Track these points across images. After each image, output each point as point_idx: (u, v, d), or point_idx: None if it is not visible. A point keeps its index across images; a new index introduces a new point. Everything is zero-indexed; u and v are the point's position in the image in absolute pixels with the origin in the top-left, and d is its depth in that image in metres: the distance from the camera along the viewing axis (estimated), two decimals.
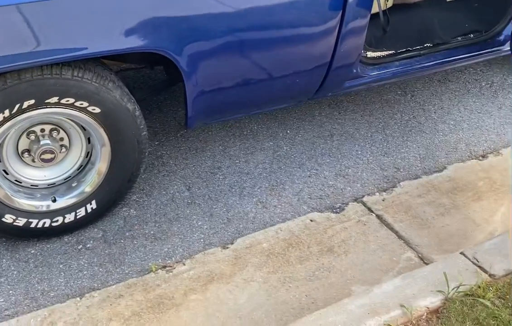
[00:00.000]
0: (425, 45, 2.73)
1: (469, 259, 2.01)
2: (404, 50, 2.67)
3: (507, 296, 1.89)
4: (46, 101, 1.86)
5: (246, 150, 2.73)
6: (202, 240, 2.23)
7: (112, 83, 1.97)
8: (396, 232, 2.29)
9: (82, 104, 1.91)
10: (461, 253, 2.04)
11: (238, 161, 2.66)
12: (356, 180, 2.58)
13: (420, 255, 2.19)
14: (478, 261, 2.00)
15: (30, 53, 1.73)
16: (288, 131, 2.86)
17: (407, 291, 1.88)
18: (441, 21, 2.95)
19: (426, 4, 3.11)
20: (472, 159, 2.75)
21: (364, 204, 2.44)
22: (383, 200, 2.46)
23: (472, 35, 2.86)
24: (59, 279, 2.03)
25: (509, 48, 2.64)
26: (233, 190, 2.49)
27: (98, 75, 1.92)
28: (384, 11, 2.86)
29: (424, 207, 2.43)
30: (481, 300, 1.86)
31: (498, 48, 2.87)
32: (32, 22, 1.69)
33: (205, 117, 2.32)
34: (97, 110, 1.95)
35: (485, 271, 1.96)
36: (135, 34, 1.85)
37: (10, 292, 1.97)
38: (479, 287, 1.91)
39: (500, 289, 1.92)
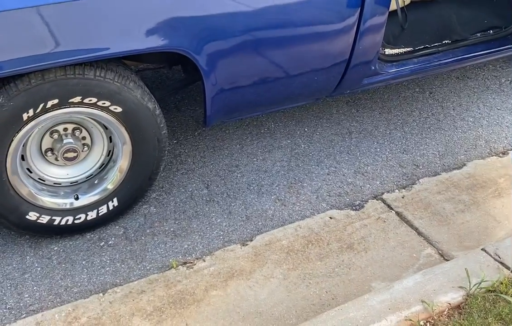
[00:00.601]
0: (443, 42, 2.71)
1: (491, 255, 1.99)
2: (422, 47, 2.66)
3: None
4: (70, 100, 1.89)
5: (263, 148, 2.74)
6: (221, 237, 2.25)
7: (133, 83, 1.99)
8: (416, 229, 2.29)
9: (104, 103, 1.94)
10: (482, 249, 2.03)
11: (255, 159, 2.67)
12: (375, 177, 2.58)
13: (440, 252, 2.18)
14: (499, 257, 1.98)
15: (53, 53, 1.76)
16: (306, 129, 2.87)
17: (428, 287, 1.87)
18: (460, 17, 2.93)
19: (444, 0, 3.09)
20: (492, 156, 2.72)
21: (383, 201, 2.43)
22: (402, 197, 2.45)
23: (491, 31, 2.83)
24: (82, 275, 2.07)
25: None
26: (251, 188, 2.51)
27: (119, 75, 1.95)
28: (402, 8, 2.85)
29: (443, 204, 2.42)
30: (503, 296, 1.85)
31: None
32: (55, 23, 1.72)
33: (224, 115, 2.33)
34: (119, 109, 1.98)
35: (507, 267, 1.94)
36: (156, 34, 1.87)
37: (35, 288, 2.01)
38: (501, 283, 1.89)
39: None
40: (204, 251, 2.18)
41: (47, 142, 2.07)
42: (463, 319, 1.80)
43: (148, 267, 2.11)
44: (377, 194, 2.48)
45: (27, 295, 1.98)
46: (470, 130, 2.90)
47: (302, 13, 2.10)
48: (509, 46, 2.83)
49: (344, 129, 2.87)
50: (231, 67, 2.09)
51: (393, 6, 2.75)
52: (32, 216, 2.07)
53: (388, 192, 2.49)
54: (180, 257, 2.16)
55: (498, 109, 3.05)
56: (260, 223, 2.33)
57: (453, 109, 3.04)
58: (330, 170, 2.61)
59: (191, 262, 2.13)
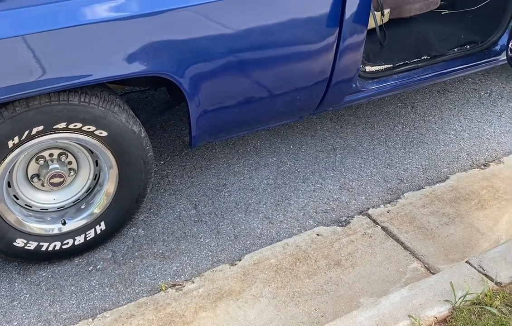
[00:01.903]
0: (422, 58, 2.77)
1: (475, 268, 2.03)
2: (402, 63, 2.72)
3: None
4: (54, 126, 1.90)
5: (250, 166, 2.76)
6: (210, 258, 2.26)
7: (118, 107, 2.01)
8: (401, 243, 2.32)
9: (89, 128, 1.96)
10: (466, 262, 2.07)
11: (242, 178, 2.69)
12: (361, 192, 2.61)
13: (426, 265, 2.22)
14: (483, 269, 2.02)
15: (37, 81, 1.77)
16: (291, 146, 2.90)
17: (415, 301, 1.90)
18: (437, 33, 3.00)
19: (422, 17, 3.16)
20: (474, 168, 2.78)
21: (369, 216, 2.47)
22: (388, 212, 2.49)
23: (468, 46, 2.91)
24: (71, 301, 2.06)
25: (505, 57, 2.68)
26: (239, 206, 2.53)
27: (104, 99, 1.97)
28: (380, 26, 2.91)
29: (428, 217, 2.46)
30: (488, 308, 1.88)
31: (495, 58, 2.91)
32: (39, 51, 1.73)
33: (209, 136, 2.36)
34: (104, 133, 1.99)
35: (491, 279, 1.98)
36: (139, 59, 1.89)
37: (23, 315, 2.00)
38: (486, 295, 1.93)
39: (506, 296, 1.94)
40: (193, 273, 2.19)
41: (33, 168, 2.07)
42: None
43: (137, 291, 2.11)
44: (362, 209, 2.52)
45: (16, 323, 1.97)
46: (452, 143, 2.96)
47: (283, 34, 2.14)
48: (485, 60, 2.90)
49: (329, 146, 2.91)
50: (214, 89, 2.12)
51: (372, 24, 2.82)
52: (19, 242, 2.06)
53: (373, 207, 2.53)
54: (169, 279, 2.16)
55: (479, 122, 3.12)
56: (248, 242, 2.34)
57: (435, 123, 3.10)
58: (316, 187, 2.64)
59: (180, 284, 2.13)
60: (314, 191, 2.62)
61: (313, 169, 2.75)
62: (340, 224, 2.43)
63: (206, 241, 2.34)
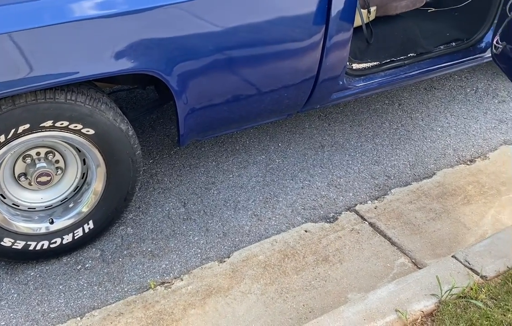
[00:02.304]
0: (408, 55, 2.80)
1: (461, 262, 2.05)
2: (389, 60, 2.74)
3: (499, 297, 1.93)
4: (41, 125, 1.89)
5: (239, 164, 2.77)
6: (199, 255, 2.27)
7: (105, 105, 2.00)
8: (389, 239, 2.34)
9: (76, 126, 1.95)
10: (452, 256, 2.09)
11: (231, 176, 2.70)
12: (348, 189, 2.63)
13: (413, 260, 2.24)
14: (469, 263, 2.05)
15: (23, 79, 1.76)
16: (280, 144, 2.91)
17: (401, 296, 1.92)
18: (423, 31, 3.02)
19: (408, 15, 3.19)
20: (460, 164, 2.81)
21: (357, 212, 2.49)
22: (375, 208, 2.51)
23: (454, 43, 2.93)
24: (59, 300, 2.05)
25: (490, 54, 2.72)
26: (228, 204, 2.53)
27: (91, 97, 1.96)
28: (367, 24, 2.93)
29: (415, 213, 2.48)
30: (473, 301, 1.91)
31: (480, 55, 2.95)
32: (24, 49, 1.73)
33: (197, 134, 2.36)
34: (91, 131, 1.99)
35: (477, 273, 2.01)
36: (125, 57, 1.89)
37: (11, 315, 1.99)
38: (471, 288, 1.95)
39: (492, 290, 1.96)
40: (182, 270, 2.19)
41: (20, 167, 2.06)
42: None
43: (126, 289, 2.11)
44: (350, 205, 2.54)
45: (3, 323, 1.96)
46: (438, 139, 2.99)
47: (270, 32, 2.14)
48: (471, 57, 2.93)
49: (317, 143, 2.93)
50: (202, 87, 2.12)
51: (358, 22, 2.84)
52: (7, 242, 2.05)
53: (361, 203, 2.55)
54: (158, 277, 2.16)
55: (465, 118, 3.16)
56: (237, 239, 2.35)
57: (422, 120, 3.13)
58: (304, 184, 2.66)
59: (169, 282, 2.13)
60: (302, 188, 2.64)
61: (301, 167, 2.77)
62: (328, 220, 2.45)
63: (195, 239, 2.35)
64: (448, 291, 1.93)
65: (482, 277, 2.01)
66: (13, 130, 1.86)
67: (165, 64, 1.98)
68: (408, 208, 2.51)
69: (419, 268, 2.19)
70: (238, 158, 2.81)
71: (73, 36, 1.78)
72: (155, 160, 2.77)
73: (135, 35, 1.88)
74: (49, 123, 1.90)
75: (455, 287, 1.94)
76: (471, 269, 2.03)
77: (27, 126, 1.87)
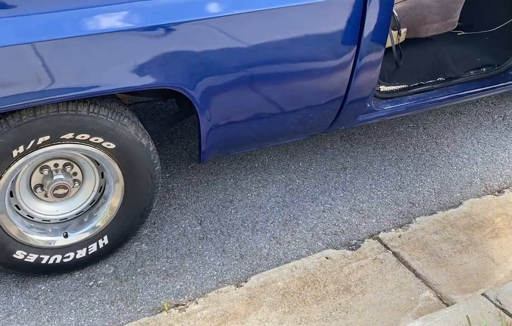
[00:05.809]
0: (438, 79, 2.72)
1: (491, 301, 1.95)
2: (417, 84, 2.66)
3: None
4: (61, 137, 1.84)
5: (258, 183, 2.70)
6: (215, 277, 2.19)
7: (127, 119, 1.95)
8: (413, 271, 2.25)
9: (97, 140, 1.89)
10: (482, 294, 1.99)
11: (250, 194, 2.62)
12: (371, 215, 2.54)
13: (438, 295, 2.14)
14: (500, 303, 1.95)
15: (46, 90, 1.71)
16: (300, 164, 2.84)
17: None
18: (453, 55, 2.94)
19: (438, 38, 3.11)
20: (488, 194, 2.71)
21: (380, 240, 2.39)
22: (399, 237, 2.42)
23: (484, 69, 2.85)
24: (69, 317, 1.98)
25: None
26: (246, 224, 2.46)
27: (113, 111, 1.91)
28: (397, 46, 2.86)
29: (441, 244, 2.39)
30: None
31: (511, 82, 2.86)
32: (49, 60, 1.68)
33: (219, 151, 2.29)
34: (112, 145, 1.93)
35: (509, 314, 1.91)
36: (149, 72, 1.83)
37: None
38: None
39: None
40: (197, 292, 2.12)
41: (37, 178, 2.01)
42: None
43: (138, 309, 2.04)
44: (373, 233, 2.45)
45: None
46: (465, 167, 2.89)
47: (298, 50, 2.08)
48: (501, 84, 2.85)
49: (339, 165, 2.85)
50: (226, 103, 2.06)
51: (388, 44, 2.76)
52: (19, 254, 1.99)
53: (384, 231, 2.46)
54: (172, 298, 2.09)
55: (492, 146, 3.06)
56: (254, 263, 2.27)
57: (448, 146, 3.04)
58: (325, 207, 2.57)
59: (184, 305, 2.06)
60: (323, 211, 2.55)
61: (323, 189, 2.68)
62: (350, 247, 2.36)
63: (211, 259, 2.27)
64: None
65: None
66: (32, 141, 1.80)
67: (190, 79, 1.92)
68: (433, 239, 2.42)
69: (445, 303, 2.09)
70: (257, 177, 2.74)
71: (97, 48, 1.73)
72: (172, 175, 2.71)
73: (161, 50, 1.82)
74: (70, 135, 1.84)
75: None
76: (502, 309, 1.93)
77: (47, 137, 1.81)
